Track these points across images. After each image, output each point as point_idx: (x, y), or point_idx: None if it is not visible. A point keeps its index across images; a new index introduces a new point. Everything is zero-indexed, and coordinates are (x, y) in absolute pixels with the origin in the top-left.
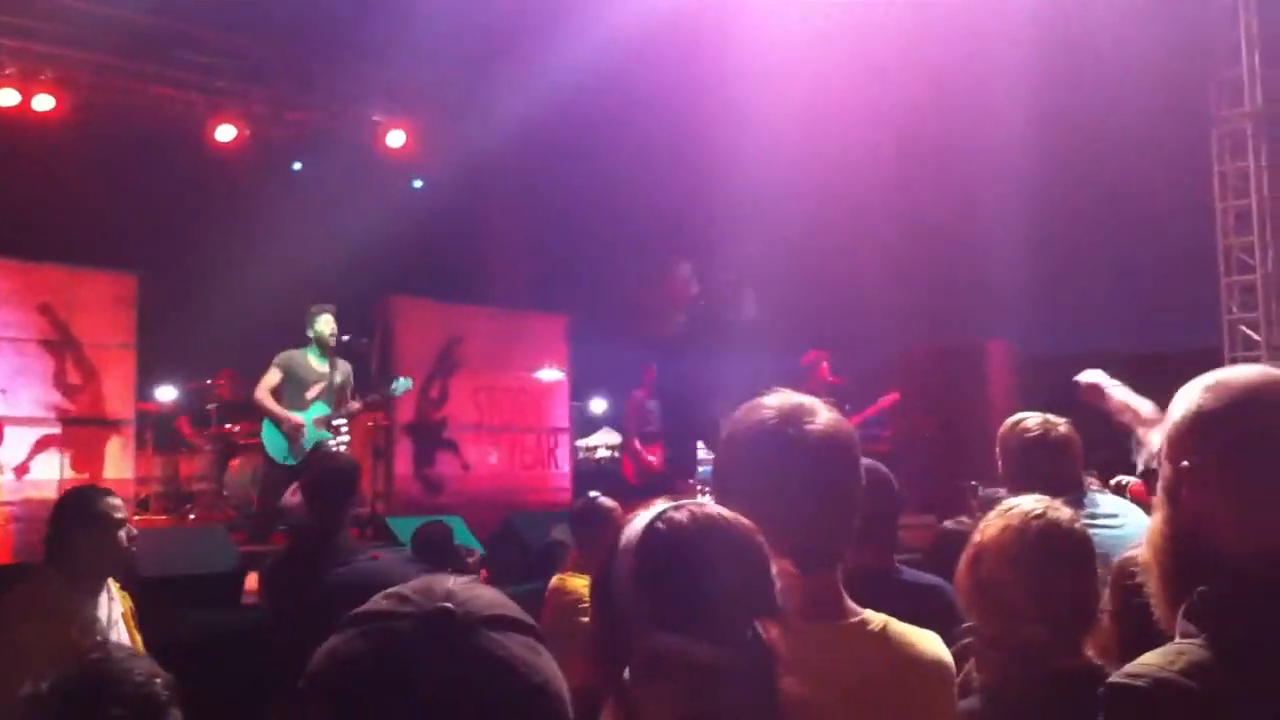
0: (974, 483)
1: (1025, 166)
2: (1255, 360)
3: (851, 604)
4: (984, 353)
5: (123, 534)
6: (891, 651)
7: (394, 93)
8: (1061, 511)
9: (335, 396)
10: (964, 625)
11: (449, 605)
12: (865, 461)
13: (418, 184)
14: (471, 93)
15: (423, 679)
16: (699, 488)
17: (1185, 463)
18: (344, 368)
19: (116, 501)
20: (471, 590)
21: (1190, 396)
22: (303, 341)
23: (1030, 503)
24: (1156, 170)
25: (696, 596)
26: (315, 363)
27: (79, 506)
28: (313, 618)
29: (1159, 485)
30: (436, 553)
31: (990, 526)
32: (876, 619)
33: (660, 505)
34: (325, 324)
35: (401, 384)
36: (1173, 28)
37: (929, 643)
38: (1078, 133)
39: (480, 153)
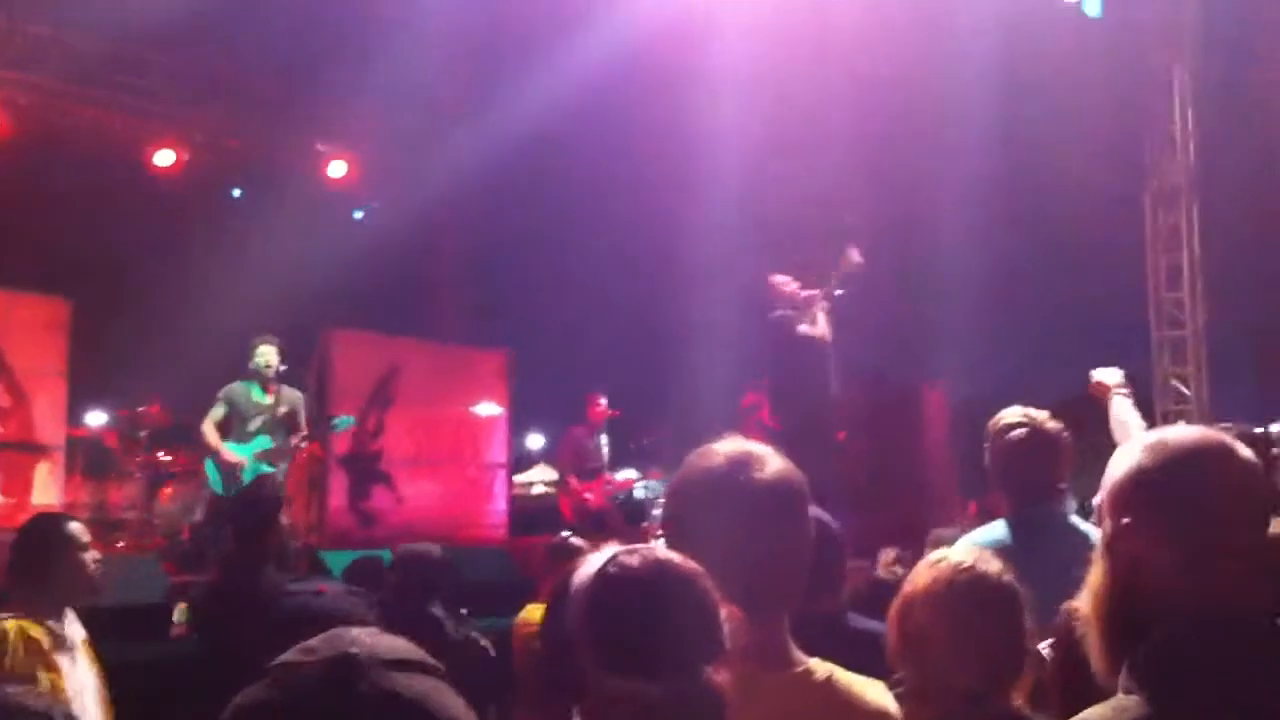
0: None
1: (964, 213)
2: (1184, 413)
3: (797, 653)
4: (919, 396)
5: (89, 557)
6: (836, 701)
7: (336, 123)
8: (991, 564)
9: (280, 427)
10: (894, 676)
11: (353, 650)
12: (812, 510)
13: (358, 215)
14: (414, 124)
15: None
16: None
17: (1125, 519)
18: (290, 397)
19: (81, 526)
20: (378, 637)
21: (1131, 455)
22: (245, 374)
23: (960, 554)
24: (1095, 222)
25: (647, 640)
26: (256, 396)
27: (47, 531)
28: (255, 653)
29: (1100, 540)
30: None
31: (920, 577)
32: (822, 668)
33: (611, 549)
34: (263, 355)
35: (342, 421)
36: (1114, 82)
37: (873, 693)
38: (1018, 180)
39: (422, 185)
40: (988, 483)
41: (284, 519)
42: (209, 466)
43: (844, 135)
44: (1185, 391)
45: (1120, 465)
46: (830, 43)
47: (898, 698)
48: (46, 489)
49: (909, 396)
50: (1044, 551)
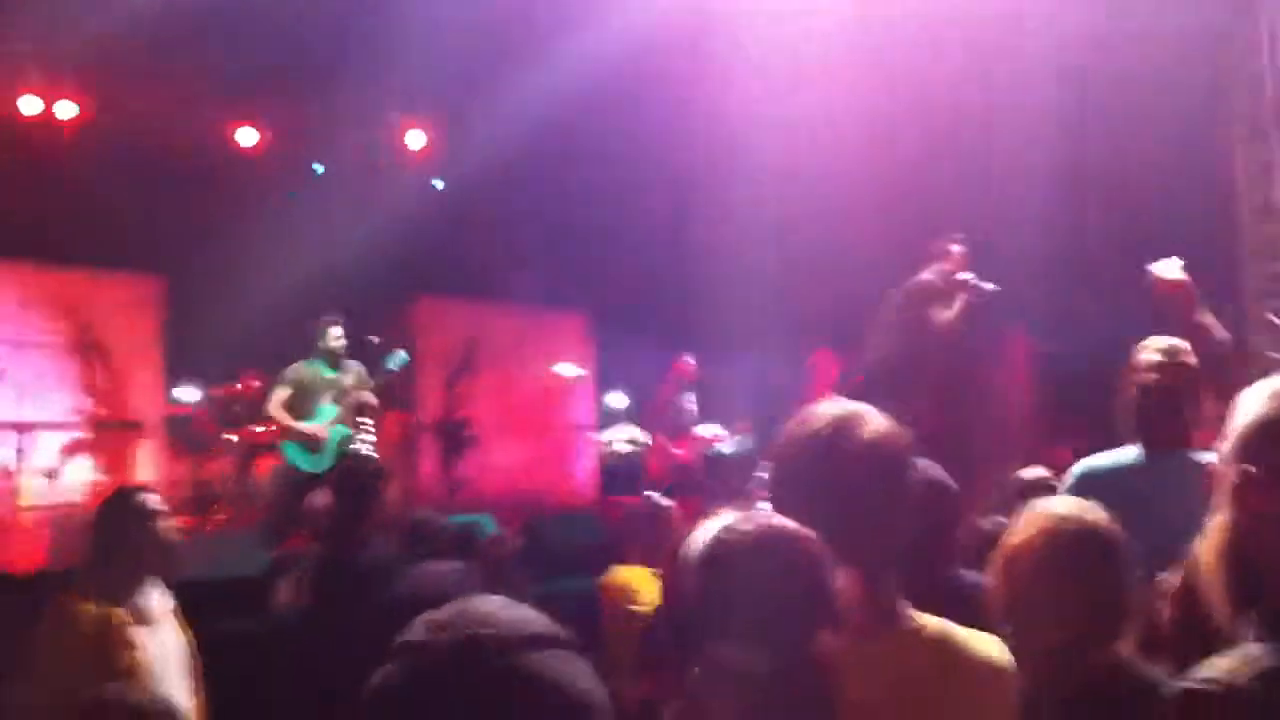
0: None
1: (1045, 160)
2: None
3: (909, 611)
4: (997, 340)
5: (167, 526)
6: (948, 657)
7: (411, 93)
8: (1094, 514)
9: (347, 397)
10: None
11: (479, 631)
12: (923, 465)
13: (438, 184)
14: (489, 91)
15: (459, 707)
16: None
17: (1250, 467)
18: (356, 369)
19: (157, 496)
20: (505, 611)
21: (1256, 401)
22: (310, 353)
23: (1062, 505)
24: (1177, 160)
25: (758, 609)
26: (323, 373)
27: (122, 502)
28: (377, 633)
29: (1225, 487)
30: (470, 554)
31: (1022, 530)
32: (933, 624)
33: (728, 516)
34: (333, 338)
35: (396, 358)
36: (1189, 24)
37: (987, 646)
38: (1097, 130)
39: (500, 151)
40: (1074, 430)
41: (386, 491)
42: (287, 447)
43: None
44: None
45: (1246, 412)
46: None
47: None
48: (145, 466)
49: (990, 341)
50: (1172, 484)
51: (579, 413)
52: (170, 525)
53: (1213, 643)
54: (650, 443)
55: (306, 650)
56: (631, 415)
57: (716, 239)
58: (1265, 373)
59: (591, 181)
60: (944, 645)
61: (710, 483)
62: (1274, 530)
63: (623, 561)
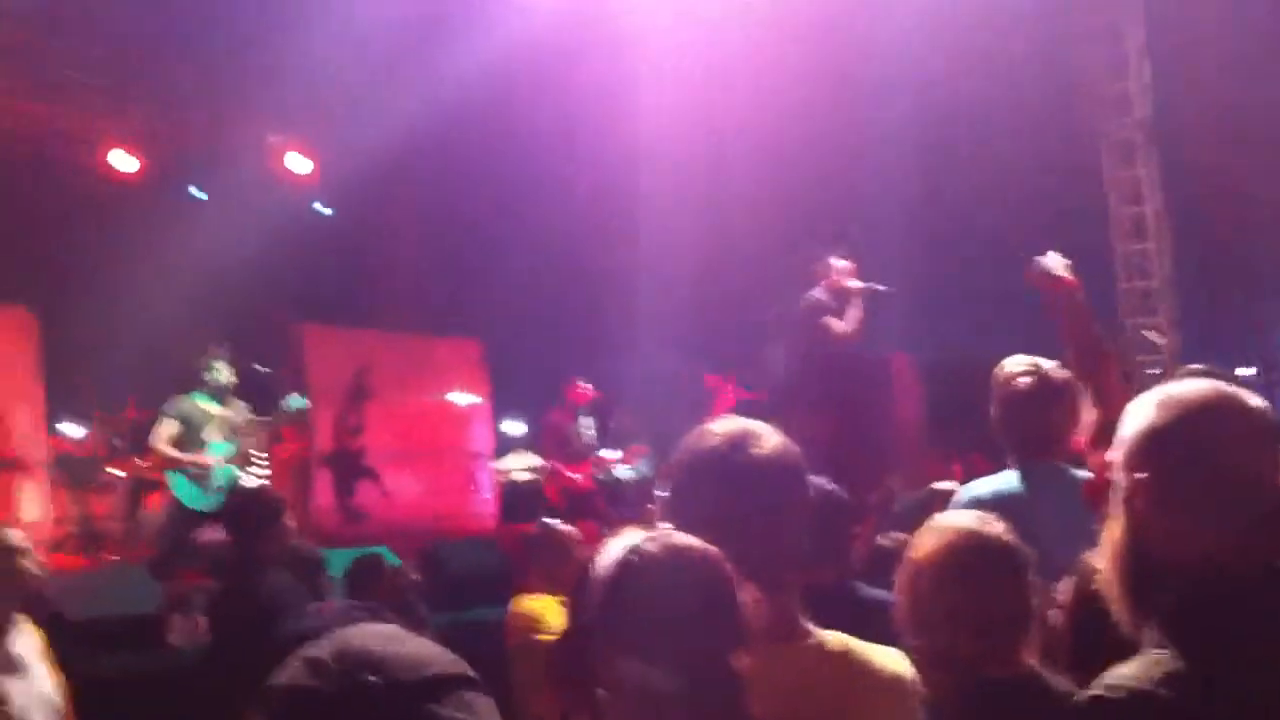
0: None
1: (920, 178)
2: (1155, 364)
3: (809, 625)
4: (886, 365)
5: (30, 563)
6: (851, 670)
7: (294, 114)
8: (994, 525)
9: (236, 434)
10: (905, 643)
11: (369, 679)
12: (815, 480)
13: (321, 209)
14: (375, 115)
15: None
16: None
17: (1139, 475)
18: (239, 407)
19: (19, 533)
20: (396, 651)
21: (1144, 410)
22: (192, 386)
23: (963, 518)
24: (1051, 178)
25: (665, 627)
26: (209, 405)
27: None
28: (259, 674)
29: (1115, 494)
30: (370, 587)
31: (924, 543)
32: (835, 639)
33: (633, 535)
34: (219, 369)
35: (294, 401)
36: (1058, 41)
37: (890, 660)
38: (971, 139)
39: (386, 174)
40: (966, 442)
41: (287, 522)
42: (176, 481)
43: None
44: (1157, 341)
45: (1134, 421)
46: (779, 29)
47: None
48: (33, 505)
49: (878, 365)
50: (1051, 502)
51: (476, 440)
52: (34, 562)
53: (1109, 650)
54: (549, 468)
55: (206, 688)
56: (529, 441)
57: (612, 262)
58: (1142, 387)
59: (483, 205)
60: (846, 659)
61: (609, 507)
62: (1165, 536)
63: (524, 589)
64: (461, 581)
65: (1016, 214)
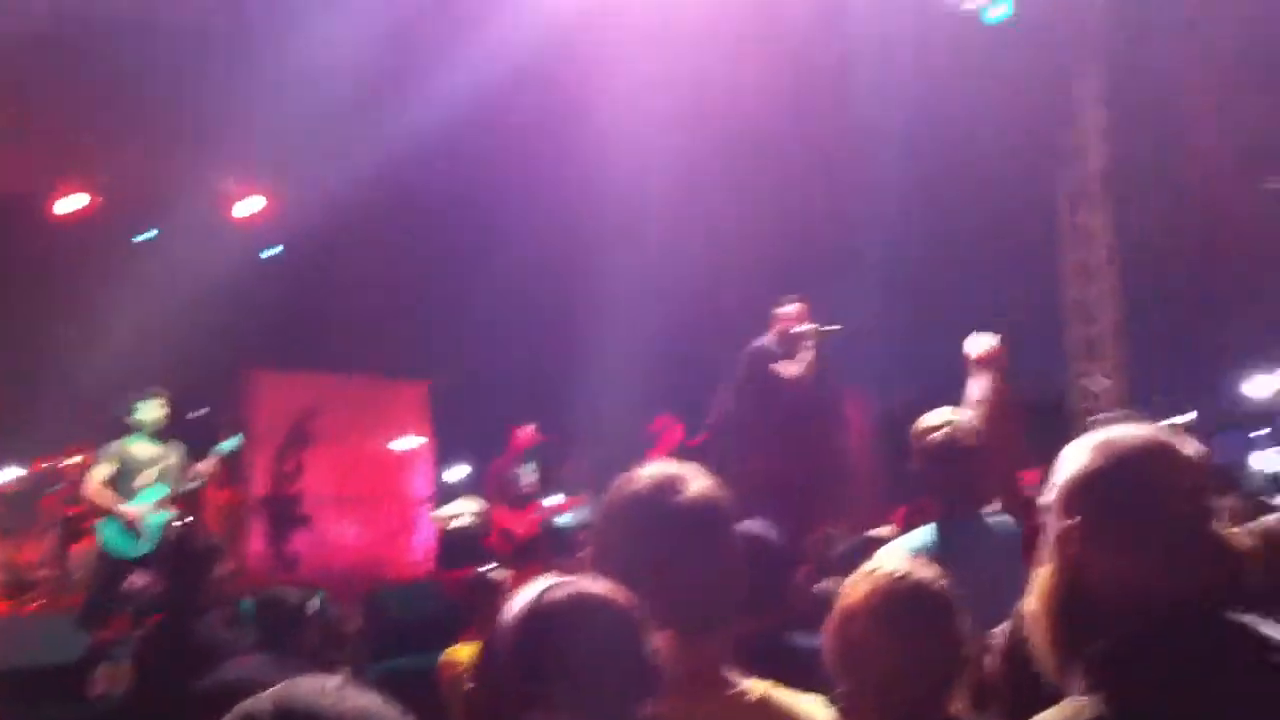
0: (829, 533)
1: (874, 214)
2: (1099, 411)
3: (731, 674)
4: (840, 400)
5: None
6: None
7: (243, 160)
8: (925, 571)
9: (171, 478)
10: (836, 691)
11: None
12: (751, 526)
13: (269, 252)
14: (325, 159)
15: None
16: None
17: (1073, 520)
18: (176, 449)
19: None
20: (339, 705)
21: (1079, 454)
22: (125, 430)
23: (894, 563)
24: (1003, 222)
25: (574, 677)
26: (145, 449)
27: None
28: None
29: (1049, 539)
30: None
31: (856, 588)
32: (757, 688)
33: (541, 583)
34: (148, 409)
35: (227, 444)
36: (1023, 84)
37: (811, 709)
38: (928, 185)
39: (334, 220)
40: (915, 486)
41: (221, 568)
42: (108, 529)
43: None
44: (1101, 385)
45: (1067, 465)
46: (737, 59)
47: (839, 711)
48: None
49: (831, 401)
50: (969, 555)
51: (418, 485)
52: None
53: (1041, 696)
54: (490, 514)
55: None
56: (472, 487)
57: (568, 306)
58: (1084, 430)
59: (436, 249)
60: (767, 710)
61: (551, 553)
62: (1098, 581)
63: (463, 636)
64: (402, 627)
65: (970, 262)
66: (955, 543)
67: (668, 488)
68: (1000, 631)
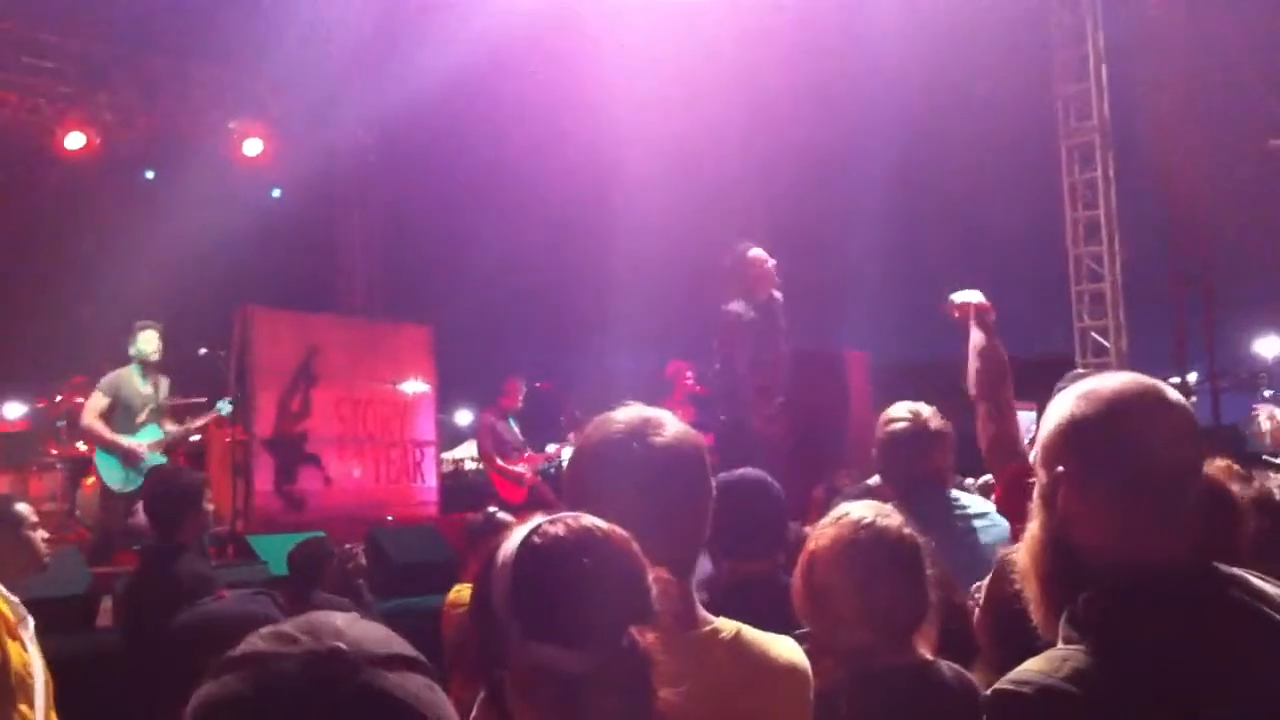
0: (832, 488)
1: (880, 179)
2: (1105, 366)
3: (704, 612)
4: (843, 361)
5: (38, 535)
6: (744, 658)
7: (250, 99)
8: (891, 518)
9: (163, 417)
10: (800, 630)
11: (340, 645)
12: (753, 475)
13: (276, 193)
14: (331, 100)
15: None
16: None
17: (1060, 469)
18: (164, 385)
19: (28, 505)
20: (361, 628)
21: (1064, 404)
22: (125, 361)
23: (861, 510)
24: (1008, 181)
25: (571, 607)
26: (140, 384)
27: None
28: (158, 664)
29: (1035, 491)
30: (315, 572)
31: (823, 534)
32: (729, 626)
33: (536, 519)
34: (148, 341)
35: (224, 406)
36: (1026, 40)
37: (782, 648)
38: (931, 148)
39: (341, 161)
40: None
41: (208, 505)
42: (102, 460)
43: (752, 107)
44: (1105, 343)
45: (1053, 415)
46: (731, 20)
47: (806, 652)
48: None
49: (832, 360)
50: (930, 522)
51: (421, 428)
52: (41, 534)
53: (1025, 646)
54: (490, 466)
55: (123, 672)
56: (476, 431)
57: (575, 255)
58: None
59: (444, 195)
60: (739, 646)
61: (553, 499)
62: (1085, 531)
63: (465, 577)
64: (404, 569)
65: (976, 224)
66: (914, 517)
67: (642, 430)
68: (979, 586)
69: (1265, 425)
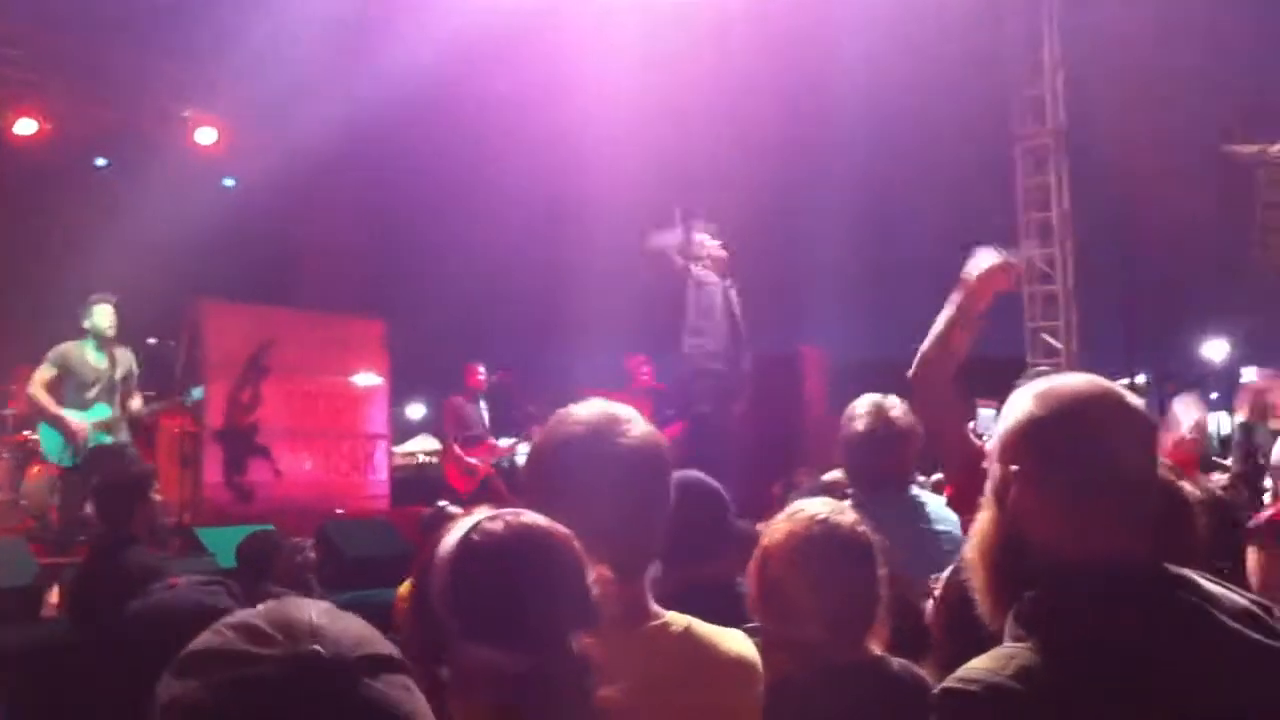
0: (790, 485)
1: (834, 179)
2: (1057, 366)
3: (655, 607)
4: (799, 359)
5: None
6: (694, 652)
7: (204, 88)
8: (844, 515)
9: (116, 393)
10: (748, 625)
11: (317, 648)
12: (695, 478)
13: (229, 183)
14: (285, 89)
15: None
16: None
17: (1014, 466)
18: (125, 359)
19: None
20: (337, 624)
21: (1021, 403)
22: (78, 334)
23: (815, 506)
24: (961, 183)
25: (510, 608)
26: (93, 358)
27: None
28: (109, 652)
29: (987, 486)
30: (266, 564)
31: (776, 530)
32: (679, 620)
33: (477, 515)
34: (103, 315)
35: (196, 392)
36: (975, 48)
37: (732, 642)
38: (886, 146)
39: (295, 152)
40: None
41: (155, 495)
42: (43, 431)
43: (712, 104)
44: (1056, 344)
45: (1010, 413)
46: (697, 19)
47: (757, 647)
48: None
49: (788, 359)
50: (885, 536)
51: (373, 421)
52: None
53: (975, 642)
54: (446, 452)
55: (71, 664)
56: (430, 425)
57: (521, 245)
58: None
59: (399, 186)
60: (689, 641)
61: (505, 491)
62: (1035, 528)
63: (412, 571)
64: (356, 561)
65: (930, 222)
66: (870, 523)
67: (610, 428)
68: (938, 578)
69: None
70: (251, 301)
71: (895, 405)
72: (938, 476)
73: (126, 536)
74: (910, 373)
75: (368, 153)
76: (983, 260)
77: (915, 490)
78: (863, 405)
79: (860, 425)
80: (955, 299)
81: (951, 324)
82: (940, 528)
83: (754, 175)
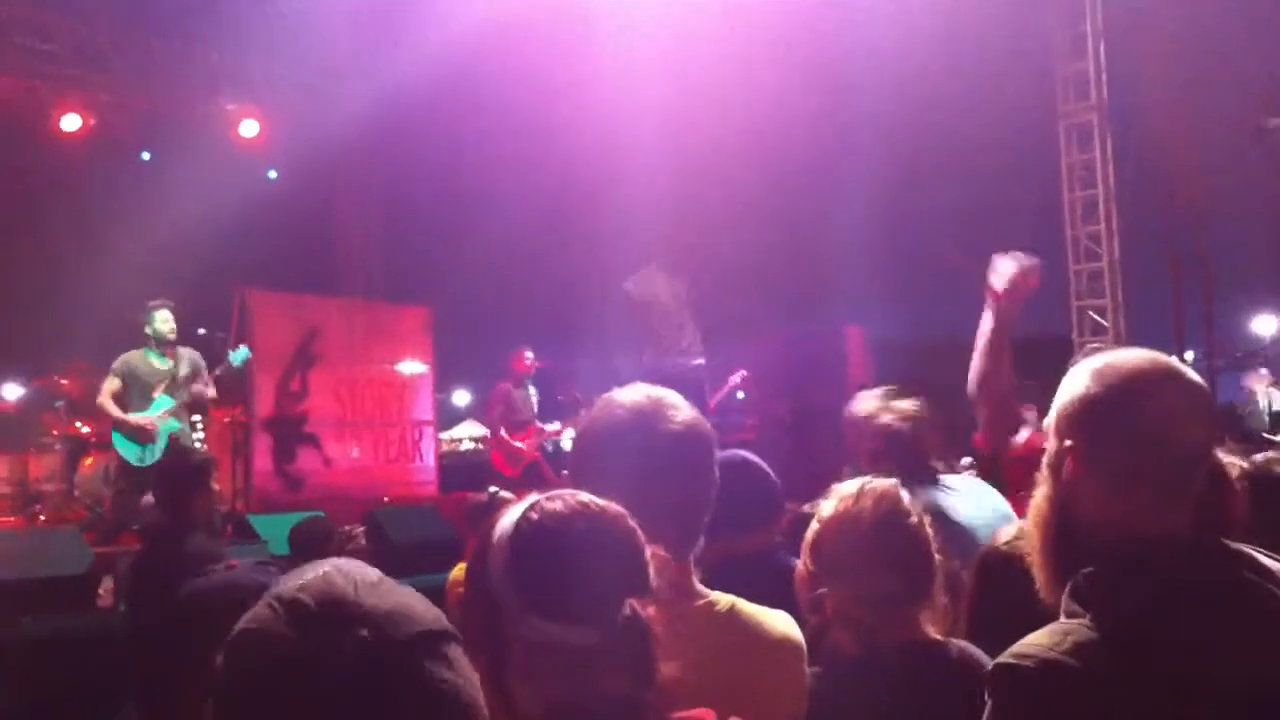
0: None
1: (881, 160)
2: (1105, 344)
3: (701, 586)
4: (841, 338)
5: None
6: (739, 631)
7: (246, 81)
8: (898, 490)
9: (183, 389)
10: (814, 596)
11: (363, 633)
12: (740, 454)
13: (272, 175)
14: (328, 81)
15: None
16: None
17: (1069, 442)
18: (189, 357)
19: None
20: (382, 597)
21: (1078, 378)
22: (140, 341)
23: (868, 483)
24: (1006, 161)
25: (571, 582)
26: (156, 362)
27: None
28: (169, 631)
29: (1044, 460)
30: (316, 551)
31: (829, 508)
32: (724, 600)
33: (533, 496)
34: (164, 320)
35: (240, 354)
36: (1017, 25)
37: (777, 621)
38: (931, 126)
39: (337, 143)
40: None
41: (213, 484)
42: (116, 439)
43: (753, 86)
44: (1103, 322)
45: (1068, 389)
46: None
47: (809, 629)
48: None
49: (830, 337)
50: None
51: (420, 408)
52: None
53: (1014, 619)
54: (494, 437)
55: (127, 651)
56: (476, 412)
57: (572, 234)
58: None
59: (441, 175)
60: (734, 620)
61: (556, 477)
62: (1092, 505)
63: (465, 557)
64: (404, 548)
65: (975, 198)
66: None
67: (656, 413)
68: (981, 554)
69: (1263, 403)
70: (297, 290)
71: (901, 403)
72: (967, 460)
73: (186, 523)
74: (970, 393)
75: (410, 141)
76: (1003, 269)
77: (945, 478)
78: (870, 402)
79: (874, 424)
80: (989, 315)
81: (998, 343)
82: (970, 512)
83: (791, 158)
